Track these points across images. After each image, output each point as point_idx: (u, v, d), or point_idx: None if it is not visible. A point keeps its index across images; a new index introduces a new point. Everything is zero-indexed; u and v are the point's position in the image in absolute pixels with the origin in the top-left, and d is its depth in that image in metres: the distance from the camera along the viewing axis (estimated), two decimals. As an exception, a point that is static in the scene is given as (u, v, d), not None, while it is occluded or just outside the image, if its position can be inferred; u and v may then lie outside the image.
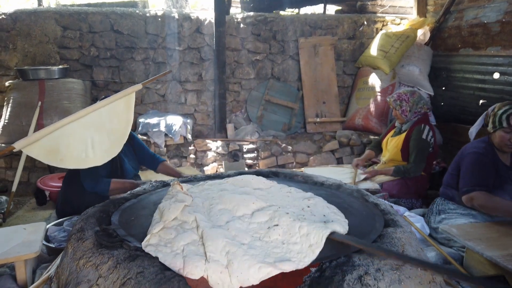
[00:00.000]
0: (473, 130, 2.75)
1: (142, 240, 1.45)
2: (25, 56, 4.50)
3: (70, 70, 4.59)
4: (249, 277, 1.25)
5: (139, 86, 2.14)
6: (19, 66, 4.44)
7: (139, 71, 4.86)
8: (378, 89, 4.93)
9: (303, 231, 1.41)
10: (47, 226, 2.54)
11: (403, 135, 3.28)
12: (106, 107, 1.94)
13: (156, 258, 1.34)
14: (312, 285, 1.31)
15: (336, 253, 1.40)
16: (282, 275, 1.96)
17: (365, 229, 1.64)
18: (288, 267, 1.30)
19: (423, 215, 2.79)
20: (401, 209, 2.76)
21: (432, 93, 4.86)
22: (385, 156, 3.47)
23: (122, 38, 4.73)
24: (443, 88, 4.91)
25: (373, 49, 5.15)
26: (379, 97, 4.88)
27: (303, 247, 1.38)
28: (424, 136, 3.18)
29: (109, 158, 1.98)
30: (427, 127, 3.22)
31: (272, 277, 2.01)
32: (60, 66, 4.38)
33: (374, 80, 5.02)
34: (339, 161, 4.72)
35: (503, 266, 1.88)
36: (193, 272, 1.28)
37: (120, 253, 1.38)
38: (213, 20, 4.80)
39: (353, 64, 5.46)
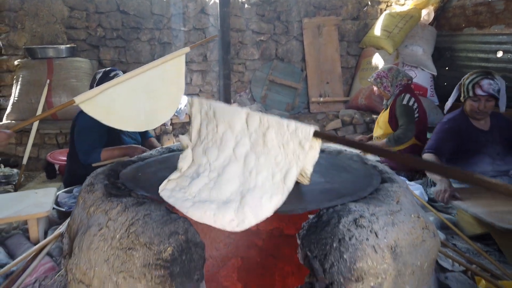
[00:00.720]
0: (448, 102, 2.87)
1: (149, 191, 1.53)
2: (33, 36, 4.58)
3: (77, 50, 4.66)
4: (263, 209, 1.31)
5: (186, 49, 2.09)
6: (27, 45, 4.52)
7: (145, 51, 4.92)
8: (381, 69, 4.95)
9: (291, 128, 1.43)
10: (58, 192, 2.64)
11: (388, 108, 3.45)
12: (156, 71, 1.95)
13: (163, 203, 1.42)
14: (310, 229, 1.38)
15: (333, 203, 1.47)
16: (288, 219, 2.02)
17: (362, 184, 1.70)
18: (293, 177, 1.35)
19: (423, 187, 2.86)
20: (401, 179, 2.82)
21: (435, 73, 4.88)
22: (376, 132, 3.61)
23: (128, 18, 4.78)
24: (446, 68, 4.93)
25: (377, 29, 5.16)
26: (382, 77, 4.91)
27: (294, 145, 1.41)
28: (405, 102, 3.30)
29: (159, 124, 2.05)
30: (407, 95, 3.34)
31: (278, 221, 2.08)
32: (68, 45, 4.45)
33: (377, 60, 5.04)
34: (342, 140, 4.79)
35: (484, 220, 1.98)
36: (202, 217, 1.33)
37: (128, 200, 1.46)
38: (217, 0, 4.83)
39: (357, 45, 5.48)
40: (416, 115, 3.32)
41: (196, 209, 1.35)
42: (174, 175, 1.53)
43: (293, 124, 1.45)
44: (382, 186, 1.67)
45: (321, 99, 5.14)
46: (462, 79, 2.68)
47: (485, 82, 2.49)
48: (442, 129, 2.70)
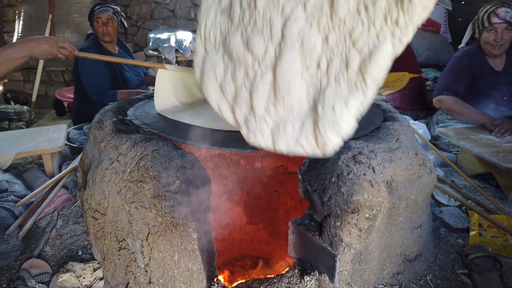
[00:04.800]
0: (463, 41, 2.71)
1: (156, 129, 1.57)
2: (31, -32, 4.40)
3: (78, -17, 4.49)
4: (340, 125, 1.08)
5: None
6: (26, -22, 4.37)
7: (147, -16, 4.74)
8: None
9: None
10: (68, 129, 2.72)
11: None
12: None
13: (170, 140, 1.47)
14: (311, 164, 1.44)
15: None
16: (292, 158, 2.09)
17: (364, 123, 1.73)
18: (381, 60, 0.90)
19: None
20: (405, 117, 2.84)
21: (450, 8, 4.67)
22: None
23: None
24: (463, 2, 4.71)
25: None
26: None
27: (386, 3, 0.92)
28: None
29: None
30: None
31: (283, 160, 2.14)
32: (67, -22, 4.29)
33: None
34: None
35: (488, 159, 2.01)
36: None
37: (137, 136, 1.52)
38: None
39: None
40: None
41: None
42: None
43: None
44: (383, 124, 1.70)
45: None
46: (476, 16, 2.53)
47: (502, 10, 2.34)
48: (457, 66, 2.57)
